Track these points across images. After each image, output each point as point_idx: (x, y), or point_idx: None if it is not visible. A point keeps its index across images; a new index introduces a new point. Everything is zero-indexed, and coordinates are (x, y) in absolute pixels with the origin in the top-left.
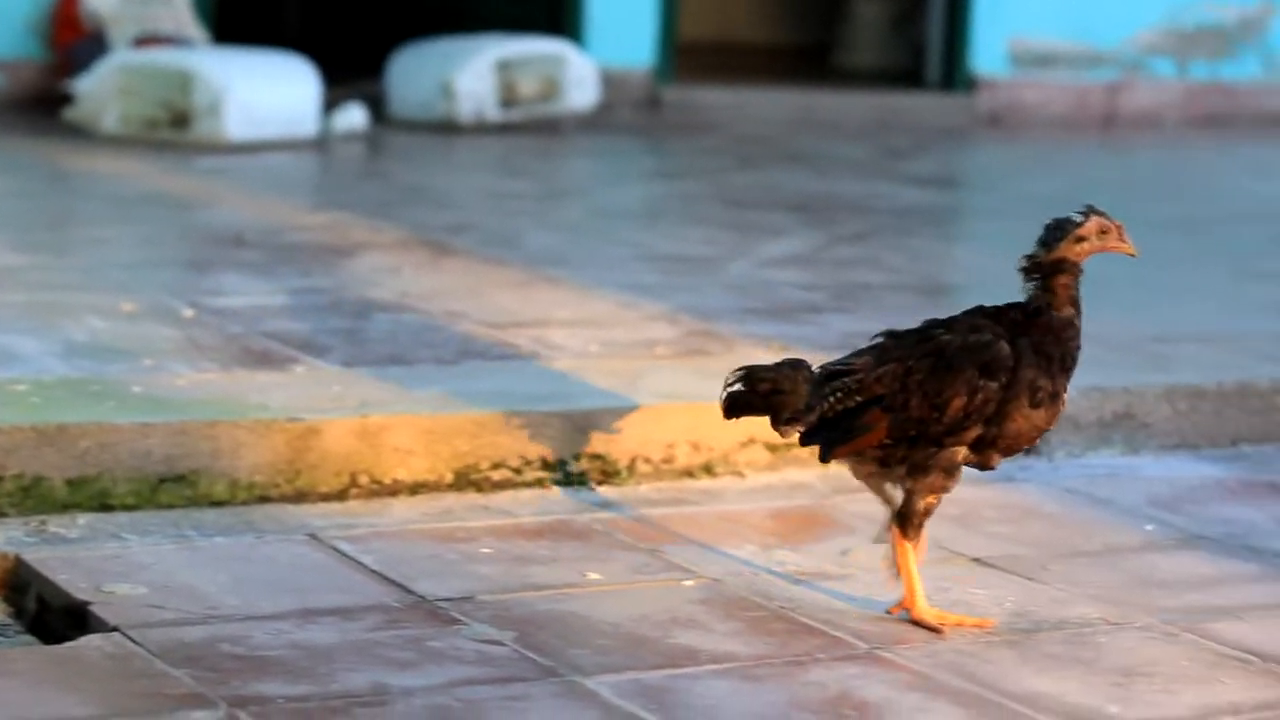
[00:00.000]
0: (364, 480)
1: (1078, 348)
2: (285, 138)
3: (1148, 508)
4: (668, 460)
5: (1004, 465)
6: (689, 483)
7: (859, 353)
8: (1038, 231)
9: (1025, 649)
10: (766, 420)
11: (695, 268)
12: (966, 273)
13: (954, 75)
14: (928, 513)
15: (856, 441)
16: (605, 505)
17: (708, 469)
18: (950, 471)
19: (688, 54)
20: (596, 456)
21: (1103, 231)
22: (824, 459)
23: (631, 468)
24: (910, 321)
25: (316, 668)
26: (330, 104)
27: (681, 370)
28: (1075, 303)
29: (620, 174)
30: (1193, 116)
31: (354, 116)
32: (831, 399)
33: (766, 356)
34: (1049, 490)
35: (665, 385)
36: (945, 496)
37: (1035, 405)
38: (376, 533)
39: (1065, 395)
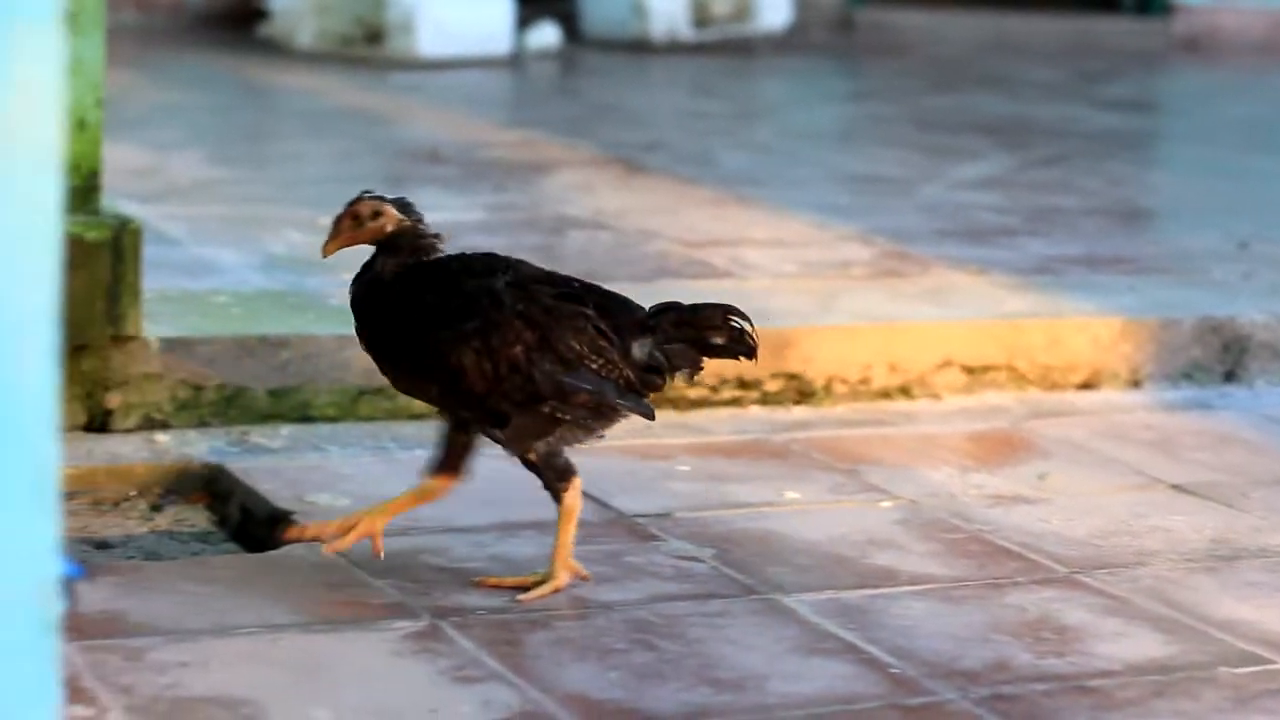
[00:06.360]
0: None
1: None
2: (478, 55)
3: None
4: (864, 381)
5: (1201, 391)
6: (885, 404)
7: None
8: (1237, 157)
9: (1225, 576)
10: (964, 341)
11: (888, 189)
12: (1162, 197)
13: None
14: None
15: None
16: (802, 425)
17: (904, 390)
18: None
19: None
20: (793, 376)
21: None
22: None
23: (828, 388)
24: (1105, 247)
25: None
26: (523, 22)
27: (877, 291)
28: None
29: (812, 95)
30: None
31: (547, 34)
32: None
33: (965, 280)
34: (1248, 417)
35: (861, 306)
36: (1142, 421)
37: None
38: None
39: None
